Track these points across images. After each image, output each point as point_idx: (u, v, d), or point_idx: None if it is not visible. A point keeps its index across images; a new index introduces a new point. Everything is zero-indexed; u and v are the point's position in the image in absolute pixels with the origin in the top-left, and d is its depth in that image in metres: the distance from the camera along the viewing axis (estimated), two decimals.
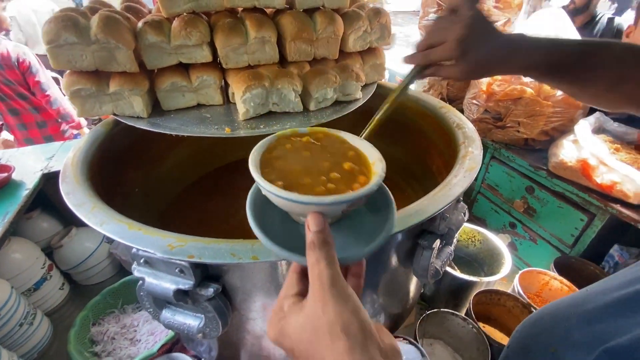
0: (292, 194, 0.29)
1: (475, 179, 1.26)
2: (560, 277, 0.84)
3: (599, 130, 0.91)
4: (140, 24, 0.60)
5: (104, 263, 0.97)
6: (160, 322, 0.48)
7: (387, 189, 0.36)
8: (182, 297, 0.42)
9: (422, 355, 0.63)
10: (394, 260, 0.54)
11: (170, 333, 0.77)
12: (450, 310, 0.74)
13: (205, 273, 0.43)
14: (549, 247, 0.99)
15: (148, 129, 0.62)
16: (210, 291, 0.42)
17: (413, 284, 0.70)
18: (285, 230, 0.35)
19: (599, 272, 0.88)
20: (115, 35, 0.55)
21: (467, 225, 0.99)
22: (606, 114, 0.94)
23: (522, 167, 1.02)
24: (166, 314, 0.48)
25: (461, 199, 0.56)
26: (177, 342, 0.80)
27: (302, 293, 0.30)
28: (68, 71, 0.59)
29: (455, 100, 1.33)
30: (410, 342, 0.65)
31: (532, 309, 0.74)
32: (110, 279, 0.99)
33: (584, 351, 0.37)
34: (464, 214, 0.56)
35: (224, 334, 0.59)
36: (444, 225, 0.50)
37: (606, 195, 0.82)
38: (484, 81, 1.01)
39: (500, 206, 1.14)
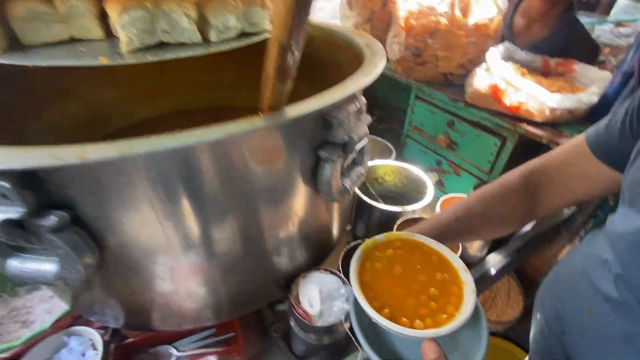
0: (412, 331, 0.32)
1: (403, 123, 1.27)
2: None
3: (508, 58, 0.93)
4: None
5: None
6: (8, 275, 0.39)
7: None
8: (16, 232, 0.34)
9: (343, 282, 0.61)
10: (299, 180, 0.49)
11: (66, 307, 0.68)
12: None
13: (44, 199, 0.34)
14: (470, 177, 1.03)
15: None
16: (52, 220, 0.33)
17: (331, 216, 0.67)
18: (377, 336, 0.41)
19: None
20: None
21: (393, 164, 0.99)
22: (514, 42, 0.97)
23: (442, 101, 1.03)
24: (13, 262, 0.39)
25: (364, 109, 0.53)
26: (79, 317, 0.71)
27: None
28: None
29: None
30: (332, 272, 0.63)
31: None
32: None
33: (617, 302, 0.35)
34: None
35: (115, 289, 0.52)
36: (342, 133, 0.46)
37: (515, 117, 0.85)
38: (402, 16, 0.99)
39: (426, 146, 1.16)
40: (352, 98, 0.50)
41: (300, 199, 0.52)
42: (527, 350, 1.36)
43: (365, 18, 1.25)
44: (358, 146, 0.50)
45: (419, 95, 1.11)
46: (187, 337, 0.72)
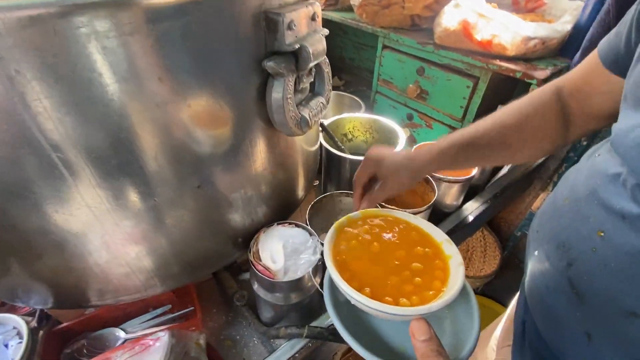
0: (399, 309, 0.28)
1: (371, 85, 1.20)
2: None
3: None
4: None
5: None
6: None
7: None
8: None
9: (311, 234, 0.54)
10: (245, 106, 0.40)
11: None
12: (345, 191, 0.67)
13: None
14: (443, 127, 0.98)
15: None
16: None
17: (294, 164, 0.59)
18: (357, 323, 0.35)
19: None
20: None
21: (361, 116, 0.91)
22: None
23: (411, 47, 0.96)
24: None
25: (319, 19, 0.44)
26: (3, 304, 0.59)
27: None
28: None
29: None
30: (297, 225, 0.55)
31: (429, 178, 0.71)
32: None
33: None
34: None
35: (34, 261, 0.42)
36: (291, 38, 0.38)
37: (487, 54, 0.80)
38: None
39: (396, 100, 1.09)
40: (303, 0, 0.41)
41: (250, 134, 0.43)
42: (505, 305, 1.38)
43: None
44: (314, 62, 0.41)
45: (387, 44, 1.03)
46: (138, 316, 0.63)
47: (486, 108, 0.87)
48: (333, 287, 0.35)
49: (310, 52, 0.39)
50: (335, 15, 1.18)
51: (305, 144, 0.63)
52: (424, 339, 0.26)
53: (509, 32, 0.74)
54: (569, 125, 0.47)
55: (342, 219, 0.38)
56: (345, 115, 0.92)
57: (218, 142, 0.39)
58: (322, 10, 1.23)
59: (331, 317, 0.33)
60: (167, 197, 0.39)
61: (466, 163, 0.50)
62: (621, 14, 0.68)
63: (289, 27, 0.36)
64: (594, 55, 0.43)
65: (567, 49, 0.81)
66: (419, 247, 0.35)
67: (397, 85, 1.06)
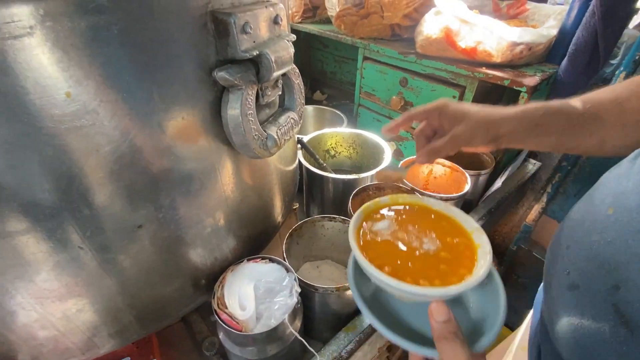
0: (416, 289, 0.28)
1: (354, 98, 1.16)
2: (442, 161, 0.77)
3: None
4: None
5: None
6: None
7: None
8: None
9: (287, 270, 0.46)
10: (198, 127, 0.34)
11: None
12: (328, 215, 0.60)
13: None
14: None
15: None
16: None
17: (266, 189, 0.52)
18: (380, 304, 0.35)
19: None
20: None
21: (344, 131, 0.86)
22: None
23: (392, 58, 0.91)
24: None
25: (283, 19, 0.38)
26: None
27: None
28: None
29: (319, 7, 1.18)
30: (272, 260, 0.48)
31: (417, 193, 0.65)
32: None
33: None
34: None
35: None
36: (247, 43, 0.31)
37: (472, 62, 0.76)
38: None
39: (380, 113, 1.04)
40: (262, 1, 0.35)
41: (205, 160, 0.36)
42: (507, 325, 1.30)
43: None
44: (278, 72, 0.35)
45: (367, 56, 0.99)
46: None
47: None
48: (356, 267, 0.34)
49: (273, 59, 0.33)
50: (313, 28, 1.14)
51: (280, 164, 0.56)
52: (442, 320, 0.26)
53: (494, 37, 0.70)
54: None
55: (370, 203, 0.37)
56: (326, 130, 0.86)
57: (161, 172, 0.32)
58: (299, 22, 1.20)
59: (354, 298, 0.32)
60: (97, 242, 0.31)
61: (547, 136, 0.41)
62: (607, 15, 0.66)
63: (244, 31, 0.30)
64: None
65: (553, 55, 0.78)
66: (449, 237, 0.35)
67: (380, 98, 1.02)
